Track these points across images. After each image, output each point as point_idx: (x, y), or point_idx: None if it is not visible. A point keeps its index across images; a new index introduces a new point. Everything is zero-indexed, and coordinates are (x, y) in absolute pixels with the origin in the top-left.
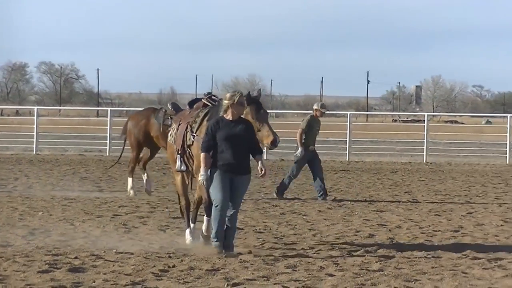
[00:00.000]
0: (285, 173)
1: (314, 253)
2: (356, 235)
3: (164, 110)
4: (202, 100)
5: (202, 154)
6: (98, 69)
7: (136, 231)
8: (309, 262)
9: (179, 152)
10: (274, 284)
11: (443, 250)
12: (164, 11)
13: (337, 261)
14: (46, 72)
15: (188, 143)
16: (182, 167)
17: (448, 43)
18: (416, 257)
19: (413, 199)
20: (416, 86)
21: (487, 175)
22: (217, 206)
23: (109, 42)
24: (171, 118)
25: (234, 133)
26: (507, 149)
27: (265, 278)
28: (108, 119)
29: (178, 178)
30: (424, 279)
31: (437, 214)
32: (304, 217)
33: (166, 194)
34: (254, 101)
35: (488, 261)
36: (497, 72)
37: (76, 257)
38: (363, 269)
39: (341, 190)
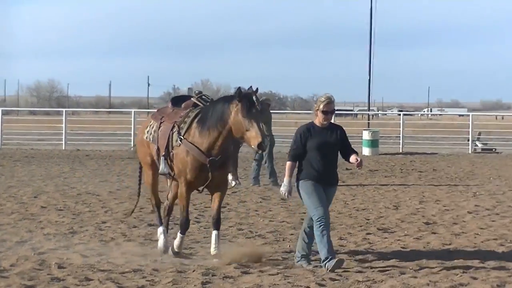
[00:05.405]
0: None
1: (106, 227)
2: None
3: None
4: (192, 99)
5: (288, 163)
6: None
7: None
8: (101, 234)
9: (163, 153)
10: (73, 252)
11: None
12: None
13: (125, 233)
14: None
15: (174, 145)
16: (166, 169)
17: (216, 51)
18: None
19: None
20: (188, 88)
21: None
22: (321, 221)
23: None
24: None
25: (327, 141)
26: None
27: (65, 248)
28: None
29: (150, 176)
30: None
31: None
32: (97, 196)
33: None
34: (246, 97)
35: (250, 231)
36: (256, 74)
37: None
38: (147, 239)
39: (128, 175)
